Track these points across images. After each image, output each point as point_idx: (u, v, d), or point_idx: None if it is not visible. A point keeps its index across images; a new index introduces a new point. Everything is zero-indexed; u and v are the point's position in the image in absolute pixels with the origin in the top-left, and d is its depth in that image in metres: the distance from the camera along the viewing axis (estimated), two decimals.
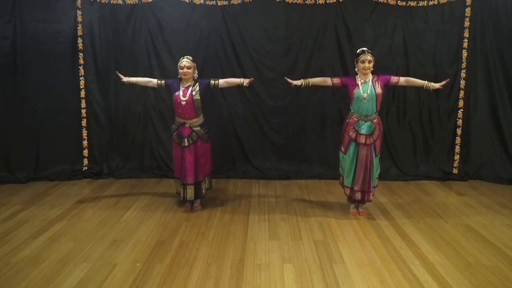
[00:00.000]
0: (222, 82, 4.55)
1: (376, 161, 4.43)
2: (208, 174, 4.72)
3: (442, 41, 5.81)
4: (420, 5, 5.74)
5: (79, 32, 5.68)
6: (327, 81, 4.49)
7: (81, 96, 5.82)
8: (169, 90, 4.55)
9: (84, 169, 5.91)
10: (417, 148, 6.03)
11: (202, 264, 3.41)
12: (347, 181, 4.49)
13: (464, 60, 5.82)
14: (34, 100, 5.69)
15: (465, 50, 5.80)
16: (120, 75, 4.63)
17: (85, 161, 5.93)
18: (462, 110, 5.91)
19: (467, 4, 5.72)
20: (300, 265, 3.41)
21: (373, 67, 4.34)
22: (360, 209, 4.57)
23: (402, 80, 4.43)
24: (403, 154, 6.03)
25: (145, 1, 5.69)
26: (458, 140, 5.96)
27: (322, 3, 5.71)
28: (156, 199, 5.03)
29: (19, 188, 5.40)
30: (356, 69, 4.40)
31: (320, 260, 3.49)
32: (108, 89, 5.85)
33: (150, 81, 4.63)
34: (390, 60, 5.79)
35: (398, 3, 5.73)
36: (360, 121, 4.35)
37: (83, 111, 5.84)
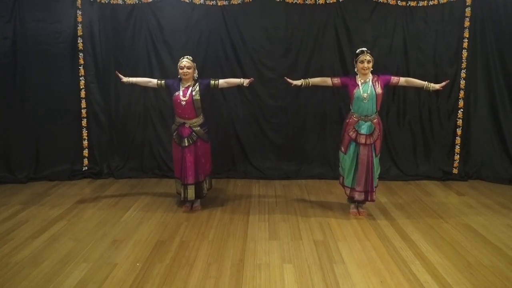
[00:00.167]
0: (222, 82, 4.55)
1: (376, 161, 4.43)
2: (208, 174, 4.72)
3: (442, 41, 5.81)
4: (420, 5, 5.74)
5: (79, 32, 5.69)
6: (327, 81, 4.49)
7: (81, 96, 5.82)
8: (169, 90, 4.55)
9: (84, 169, 5.91)
10: (417, 148, 6.03)
11: (202, 264, 3.41)
12: (347, 181, 4.49)
13: (464, 60, 5.82)
14: (34, 100, 5.69)
15: (465, 50, 5.80)
16: (120, 75, 4.63)
17: (85, 161, 5.93)
18: (462, 110, 5.91)
19: (467, 4, 5.72)
20: (300, 265, 3.41)
21: (373, 67, 4.34)
22: (360, 209, 4.57)
23: (402, 80, 4.43)
24: (403, 154, 6.03)
25: (145, 1, 5.69)
26: (458, 140, 5.96)
27: (322, 3, 5.71)
28: (156, 199, 5.03)
29: (19, 188, 5.41)
30: (355, 69, 4.40)
31: (320, 260, 3.49)
32: (108, 89, 5.85)
33: (150, 81, 4.63)
34: (390, 60, 5.79)
35: (398, 3, 5.73)
36: (360, 121, 4.35)
37: (83, 111, 5.85)
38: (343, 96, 5.57)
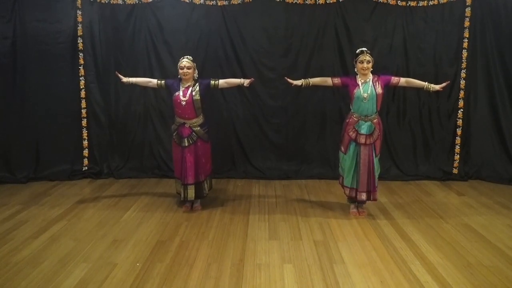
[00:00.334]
0: (222, 82, 4.55)
1: (376, 161, 4.43)
2: (208, 174, 4.72)
3: (442, 41, 5.81)
4: (420, 5, 5.74)
5: (79, 32, 5.69)
6: (328, 81, 4.49)
7: (81, 96, 5.82)
8: (169, 90, 4.55)
9: (84, 169, 5.91)
10: (417, 148, 6.03)
11: (202, 264, 3.41)
12: (346, 181, 4.49)
13: (464, 60, 5.82)
14: (34, 100, 5.69)
15: (465, 50, 5.80)
16: (120, 75, 4.62)
17: (85, 161, 5.93)
18: (462, 110, 5.91)
19: (467, 4, 5.72)
20: (300, 265, 3.41)
21: (373, 67, 4.34)
22: (360, 209, 4.57)
23: (403, 80, 4.43)
24: (403, 154, 6.03)
25: (145, 1, 5.69)
26: (458, 140, 5.96)
27: (322, 3, 5.71)
28: (156, 199, 5.03)
29: (19, 188, 5.40)
30: (355, 69, 4.40)
31: (320, 260, 3.49)
32: (108, 89, 5.85)
33: (150, 81, 4.63)
34: (390, 60, 5.79)
35: (398, 3, 5.73)
36: (360, 121, 4.35)
37: (83, 111, 5.85)
38: (343, 96, 5.58)
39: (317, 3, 5.71)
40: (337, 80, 4.46)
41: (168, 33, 5.74)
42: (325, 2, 5.70)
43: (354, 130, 4.38)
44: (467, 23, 5.75)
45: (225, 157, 5.94)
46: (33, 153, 5.77)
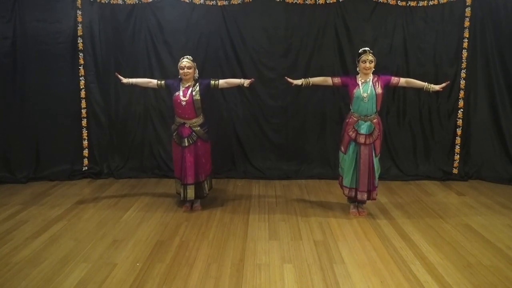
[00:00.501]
0: (222, 82, 4.55)
1: (376, 161, 4.43)
2: (208, 174, 4.71)
3: (442, 41, 5.81)
4: (420, 5, 5.74)
5: (79, 32, 5.68)
6: (328, 80, 4.49)
7: (81, 96, 5.82)
8: (169, 90, 4.55)
9: (84, 169, 5.91)
10: (417, 148, 6.03)
11: (202, 264, 3.41)
12: (346, 181, 4.49)
13: (464, 60, 5.82)
14: (34, 100, 5.69)
15: (465, 50, 5.80)
16: (119, 76, 4.62)
17: (85, 161, 5.93)
18: (462, 110, 5.91)
19: (467, 4, 5.72)
20: (300, 265, 3.41)
21: (374, 67, 4.34)
22: (360, 209, 4.57)
23: (403, 81, 4.43)
24: (403, 154, 6.03)
25: (145, 1, 5.69)
26: (458, 140, 5.96)
27: (322, 3, 5.71)
28: (156, 199, 5.03)
29: (19, 188, 5.40)
30: (357, 69, 4.40)
31: (320, 260, 3.49)
32: (108, 89, 5.85)
33: (150, 82, 4.63)
34: (390, 60, 5.79)
35: (398, 3, 5.73)
36: (359, 120, 4.35)
37: (83, 111, 5.85)
38: (343, 96, 5.58)
39: (317, 3, 5.71)
40: (337, 80, 4.47)
41: (168, 33, 5.74)
42: (325, 2, 5.70)
43: (353, 130, 4.38)
44: (467, 23, 5.75)
45: (225, 157, 5.94)
46: (33, 153, 5.77)
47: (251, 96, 5.89)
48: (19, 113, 5.68)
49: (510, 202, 5.02)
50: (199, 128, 4.51)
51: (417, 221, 4.39)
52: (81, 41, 5.70)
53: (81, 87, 5.80)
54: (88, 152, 5.93)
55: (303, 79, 4.53)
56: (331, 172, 5.83)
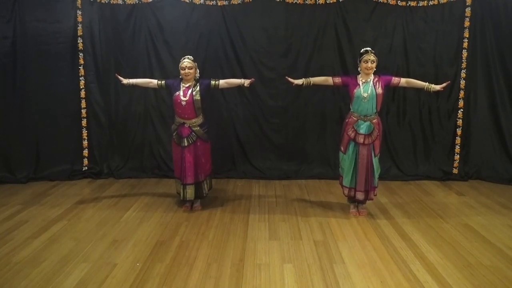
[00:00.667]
0: (222, 82, 4.54)
1: (375, 161, 4.43)
2: (208, 174, 4.71)
3: (442, 41, 5.81)
4: (420, 5, 5.74)
5: (79, 32, 5.68)
6: (329, 80, 4.49)
7: (81, 96, 5.82)
8: (170, 90, 4.55)
9: (84, 169, 5.91)
10: (417, 148, 6.03)
11: (202, 264, 3.41)
12: (346, 181, 4.50)
13: (464, 60, 5.82)
14: (34, 100, 5.69)
15: (465, 50, 5.80)
16: (120, 77, 4.62)
17: (85, 161, 5.93)
18: (462, 110, 5.91)
19: (467, 4, 5.72)
20: (300, 265, 3.41)
21: (375, 67, 4.34)
22: (360, 209, 4.57)
23: (403, 81, 4.43)
24: (403, 154, 6.03)
25: (145, 1, 5.69)
26: (458, 140, 5.96)
27: (322, 3, 5.71)
28: (156, 199, 5.03)
29: (19, 188, 5.40)
30: (359, 69, 4.40)
31: (320, 260, 3.49)
32: (108, 89, 5.85)
33: (151, 82, 4.63)
34: (390, 60, 5.79)
35: (398, 3, 5.73)
36: (359, 120, 4.35)
37: (83, 111, 5.84)
38: (343, 96, 5.58)
39: (317, 3, 5.71)
40: (337, 80, 4.47)
41: (168, 33, 5.74)
42: (325, 2, 5.70)
43: (353, 129, 4.38)
44: (467, 23, 5.75)
45: (225, 157, 5.94)
46: (33, 153, 5.77)
47: (251, 96, 5.89)
48: (19, 113, 5.68)
49: (510, 202, 5.02)
50: (198, 128, 4.51)
51: (417, 221, 4.39)
52: (81, 41, 5.70)
53: (81, 87, 5.80)
54: (88, 152, 5.93)
55: (303, 79, 4.52)
56: (331, 172, 5.83)
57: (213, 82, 4.50)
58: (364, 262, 3.47)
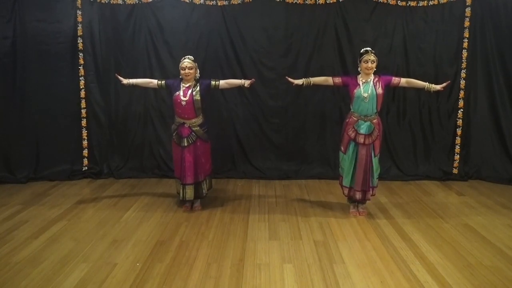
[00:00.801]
0: (223, 83, 4.54)
1: (375, 161, 4.43)
2: (208, 174, 4.71)
3: (442, 41, 5.81)
4: (420, 5, 5.74)
5: (79, 32, 5.68)
6: (329, 80, 4.49)
7: (81, 96, 5.81)
8: (170, 90, 4.55)
9: (84, 169, 5.91)
10: (417, 148, 6.03)
11: (202, 264, 3.41)
12: (346, 181, 4.50)
13: (464, 60, 5.82)
14: (34, 100, 5.69)
15: (465, 50, 5.80)
16: (120, 77, 4.61)
17: (85, 161, 5.93)
18: (462, 110, 5.91)
19: (467, 4, 5.72)
20: (300, 265, 3.41)
21: (376, 67, 4.34)
22: (360, 209, 4.57)
23: (403, 81, 4.43)
24: (403, 154, 6.03)
25: (145, 1, 5.69)
26: (458, 140, 5.96)
27: (322, 3, 5.70)
28: (156, 199, 5.03)
29: (19, 188, 5.40)
30: (359, 69, 4.40)
31: (320, 260, 3.49)
32: (108, 89, 5.85)
33: (151, 82, 4.63)
34: (390, 60, 5.79)
35: (398, 3, 5.73)
36: (359, 120, 4.35)
37: (83, 111, 5.84)
38: (343, 96, 5.59)
39: (317, 3, 5.71)
40: (338, 80, 4.47)
41: (168, 33, 5.74)
42: (325, 2, 5.70)
43: (353, 129, 4.38)
44: (467, 23, 5.75)
45: (225, 157, 5.94)
46: (33, 153, 5.77)
47: (251, 96, 5.89)
48: (19, 113, 5.68)
49: (510, 202, 5.02)
50: (198, 128, 4.51)
51: (417, 221, 4.39)
52: (81, 41, 5.70)
53: (81, 87, 5.80)
54: (88, 152, 5.93)
55: (304, 79, 4.52)
56: (331, 172, 5.83)
57: (213, 83, 4.49)
58: (364, 262, 3.47)
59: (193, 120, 4.49)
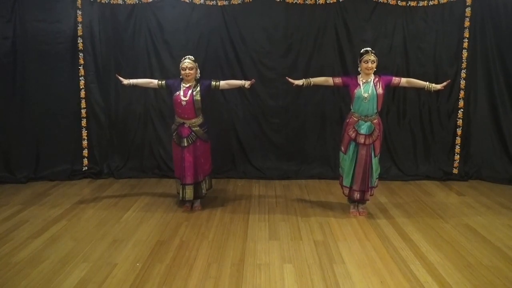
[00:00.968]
0: (223, 83, 4.54)
1: (375, 161, 4.43)
2: (208, 174, 4.71)
3: (442, 41, 5.81)
4: (420, 5, 5.74)
5: (79, 32, 5.68)
6: (329, 80, 4.49)
7: (81, 96, 5.81)
8: (170, 90, 4.55)
9: (84, 169, 5.91)
10: (417, 148, 6.03)
11: (202, 264, 3.41)
12: (346, 181, 4.50)
13: (464, 60, 5.82)
14: (34, 100, 5.69)
15: (465, 50, 5.80)
16: (120, 78, 4.61)
17: (85, 161, 5.93)
18: (462, 110, 5.91)
19: (467, 4, 5.72)
20: (300, 265, 3.41)
21: (376, 67, 4.34)
22: (360, 209, 4.57)
23: (404, 81, 4.43)
24: (403, 154, 6.03)
25: (145, 1, 5.69)
26: (458, 140, 5.96)
27: (322, 3, 5.71)
28: (156, 199, 5.03)
29: (19, 188, 5.40)
30: (359, 69, 4.40)
31: (320, 260, 3.49)
32: (108, 89, 5.85)
33: (151, 82, 4.63)
34: (390, 60, 5.79)
35: (398, 3, 5.73)
36: (360, 121, 4.35)
37: (83, 111, 5.84)
38: (343, 96, 5.59)
39: (317, 3, 5.71)
40: (338, 80, 4.47)
41: (168, 33, 5.74)
42: (325, 2, 5.70)
43: (353, 130, 4.38)
44: (467, 23, 5.75)
45: (225, 157, 5.94)
46: (33, 153, 5.77)
47: (251, 96, 5.89)
48: (19, 113, 5.68)
49: (510, 202, 5.02)
50: (198, 128, 4.51)
51: (417, 221, 4.39)
52: (81, 41, 5.70)
53: (81, 87, 5.80)
54: (88, 152, 5.93)
55: (304, 80, 4.52)
56: (331, 172, 5.83)
57: (213, 83, 4.49)
58: (364, 262, 3.47)
59: (193, 120, 4.49)
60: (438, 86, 4.41)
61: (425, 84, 4.41)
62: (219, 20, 5.73)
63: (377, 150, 4.43)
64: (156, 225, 4.22)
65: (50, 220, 4.33)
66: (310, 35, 5.79)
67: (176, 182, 4.73)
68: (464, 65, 5.83)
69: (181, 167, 4.50)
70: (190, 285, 3.10)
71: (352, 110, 4.43)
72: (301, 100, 5.90)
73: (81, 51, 5.72)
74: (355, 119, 4.38)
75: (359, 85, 4.33)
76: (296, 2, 5.70)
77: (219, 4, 5.71)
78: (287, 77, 4.61)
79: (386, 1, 5.72)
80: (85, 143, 5.90)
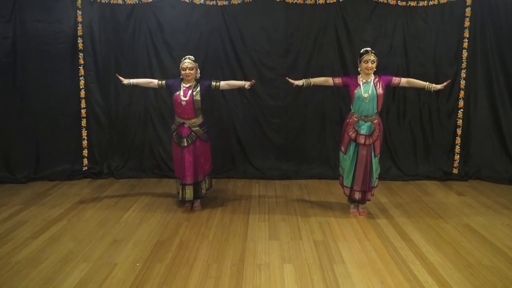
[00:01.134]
0: (223, 84, 4.54)
1: (375, 161, 4.43)
2: (208, 174, 4.71)
3: (442, 41, 5.81)
4: (420, 5, 5.74)
5: (79, 32, 5.68)
6: (329, 80, 4.49)
7: (81, 96, 5.81)
8: (170, 90, 4.55)
9: (84, 169, 5.91)
10: (417, 148, 6.03)
11: (202, 264, 3.41)
12: (347, 181, 4.50)
13: (464, 60, 5.82)
14: (34, 100, 5.69)
15: (465, 50, 5.80)
16: (120, 77, 4.61)
17: (85, 161, 5.93)
18: (462, 110, 5.91)
19: (467, 4, 5.72)
20: (300, 265, 3.41)
21: (376, 67, 4.34)
22: (360, 209, 4.57)
23: (404, 81, 4.43)
24: (403, 154, 6.03)
25: (145, 1, 5.69)
26: (458, 140, 5.96)
27: (322, 3, 5.71)
28: (156, 199, 5.03)
29: (19, 188, 5.40)
30: (359, 69, 4.39)
31: (320, 260, 3.49)
32: (108, 89, 5.85)
33: (151, 82, 4.63)
34: (390, 60, 5.79)
35: (398, 3, 5.73)
36: (360, 121, 4.35)
37: (83, 111, 5.84)
38: (343, 96, 5.59)
39: (317, 3, 5.71)
40: (338, 80, 4.46)
41: (168, 33, 5.74)
42: (325, 2, 5.70)
43: (354, 130, 4.38)
44: (467, 23, 5.75)
45: (225, 157, 5.94)
46: (33, 153, 5.76)
47: (251, 96, 5.89)
48: (19, 113, 5.68)
49: (510, 202, 5.02)
50: (198, 128, 4.51)
51: (417, 221, 4.39)
52: (81, 41, 5.70)
53: (81, 87, 5.80)
54: (88, 152, 5.93)
55: (304, 80, 4.52)
56: (331, 172, 5.83)
57: (214, 83, 4.49)
58: (364, 262, 3.47)
59: (193, 120, 4.49)
60: (438, 86, 4.41)
61: (425, 84, 4.41)
62: (219, 20, 5.73)
63: (377, 150, 4.43)
64: (156, 225, 4.22)
65: (50, 220, 4.33)
66: (310, 35, 5.79)
67: (176, 182, 4.73)
68: (464, 65, 5.83)
69: (181, 167, 4.50)
70: (190, 285, 3.10)
71: (352, 110, 4.43)
72: (301, 100, 5.90)
73: (81, 51, 5.72)
74: (355, 119, 4.38)
75: (359, 85, 4.33)
76: (296, 2, 5.70)
77: (219, 4, 5.71)
78: (287, 77, 4.61)
79: (386, 1, 5.72)
80: (85, 143, 5.90)
